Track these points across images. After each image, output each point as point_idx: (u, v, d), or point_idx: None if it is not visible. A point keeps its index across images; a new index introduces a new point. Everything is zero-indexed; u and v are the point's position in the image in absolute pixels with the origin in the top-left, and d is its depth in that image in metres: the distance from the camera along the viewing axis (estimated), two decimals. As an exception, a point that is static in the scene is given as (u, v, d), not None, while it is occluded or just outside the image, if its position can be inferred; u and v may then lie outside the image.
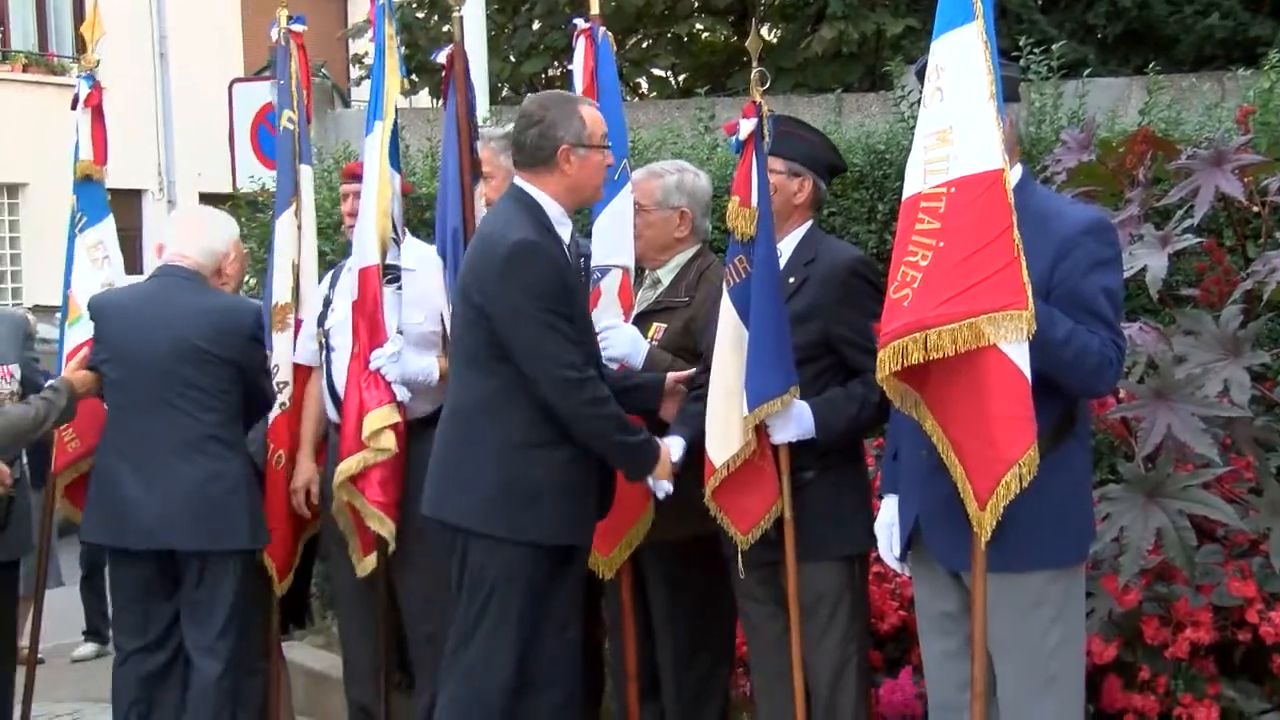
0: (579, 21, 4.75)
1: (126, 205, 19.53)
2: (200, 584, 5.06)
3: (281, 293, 5.55)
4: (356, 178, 5.38)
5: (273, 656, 5.59)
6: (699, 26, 14.68)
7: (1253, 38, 10.70)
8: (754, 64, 4.20)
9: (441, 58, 4.84)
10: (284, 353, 5.50)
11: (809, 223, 4.41)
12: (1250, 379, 4.26)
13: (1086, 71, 7.02)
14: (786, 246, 4.32)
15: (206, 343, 5.04)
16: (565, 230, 4.16)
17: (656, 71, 14.53)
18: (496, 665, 4.14)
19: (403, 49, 5.01)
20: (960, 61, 3.53)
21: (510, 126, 5.05)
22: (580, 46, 4.66)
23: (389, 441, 5.07)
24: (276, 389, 5.42)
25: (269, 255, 5.66)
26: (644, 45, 13.83)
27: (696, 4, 13.88)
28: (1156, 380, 4.09)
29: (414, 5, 12.94)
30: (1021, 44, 6.80)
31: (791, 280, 4.25)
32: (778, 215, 4.26)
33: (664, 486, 4.26)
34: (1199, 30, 11.06)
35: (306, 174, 5.69)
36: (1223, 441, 4.26)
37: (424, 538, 5.06)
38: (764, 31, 15.39)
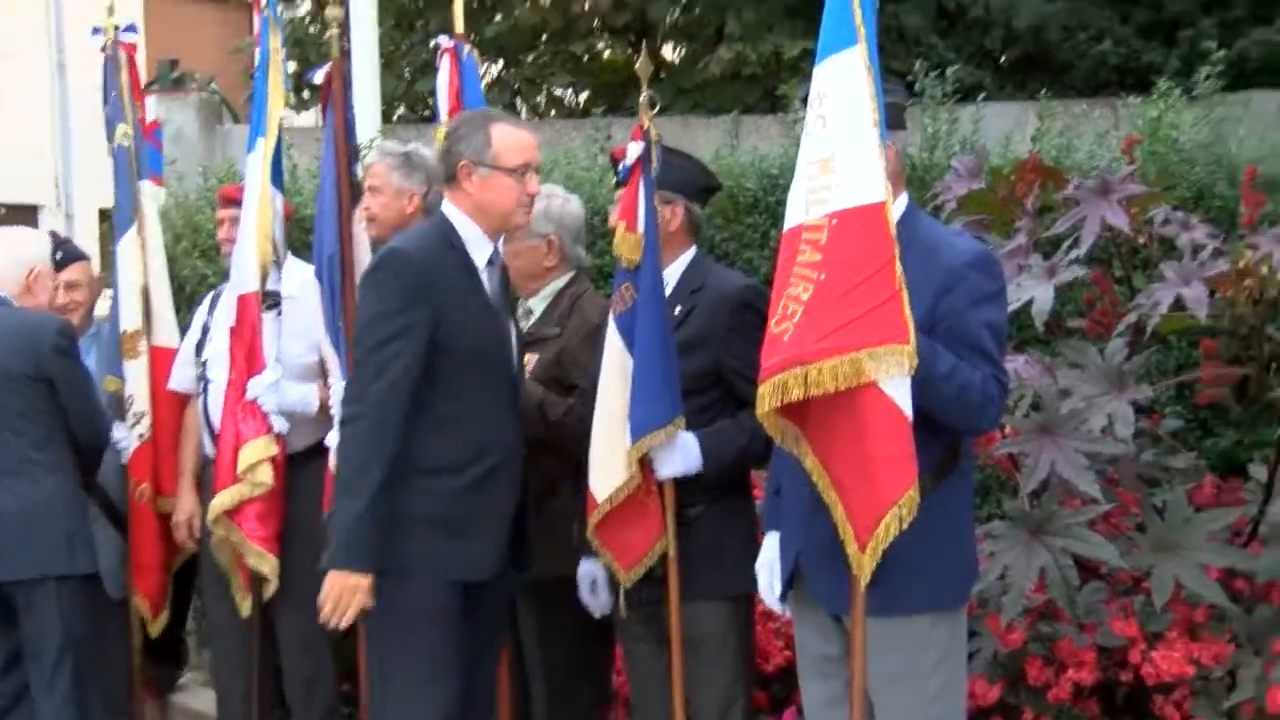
0: (442, 39, 4.66)
1: (23, 221, 19.08)
2: (29, 615, 4.91)
3: (130, 319, 5.43)
4: (233, 202, 5.27)
5: (135, 699, 5.44)
6: (600, 45, 14.63)
7: (1145, 65, 10.82)
8: (643, 87, 4.14)
9: (319, 77, 4.73)
10: (138, 381, 5.39)
11: (693, 249, 4.34)
12: (1136, 412, 4.27)
13: (981, 96, 7.02)
14: (672, 274, 4.25)
15: (11, 362, 4.90)
16: (481, 251, 4.01)
17: (556, 90, 14.46)
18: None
19: (293, 64, 4.87)
20: (843, 88, 3.47)
21: (411, 146, 4.98)
22: (444, 65, 4.57)
23: (265, 475, 4.98)
24: (133, 419, 5.29)
25: (113, 279, 5.52)
26: (541, 63, 13.73)
27: (596, 23, 13.81)
28: (1041, 415, 4.07)
29: (306, 20, 12.78)
30: (916, 67, 6.79)
31: (679, 309, 4.19)
32: None
33: None
34: (1092, 56, 11.16)
35: (148, 191, 5.57)
36: (1110, 477, 4.26)
37: (304, 575, 4.97)
38: (667, 51, 15.41)
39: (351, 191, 4.74)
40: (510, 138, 4.01)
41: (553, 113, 14.06)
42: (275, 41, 5.01)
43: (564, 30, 12.95)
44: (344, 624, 3.82)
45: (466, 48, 4.63)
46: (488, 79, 14.21)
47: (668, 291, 4.19)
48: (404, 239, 4.04)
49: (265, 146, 5.00)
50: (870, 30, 3.49)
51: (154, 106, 11.29)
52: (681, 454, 4.05)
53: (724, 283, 4.26)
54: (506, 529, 4.02)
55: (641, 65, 4.20)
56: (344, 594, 3.79)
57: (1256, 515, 4.60)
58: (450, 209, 4.03)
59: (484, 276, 4.01)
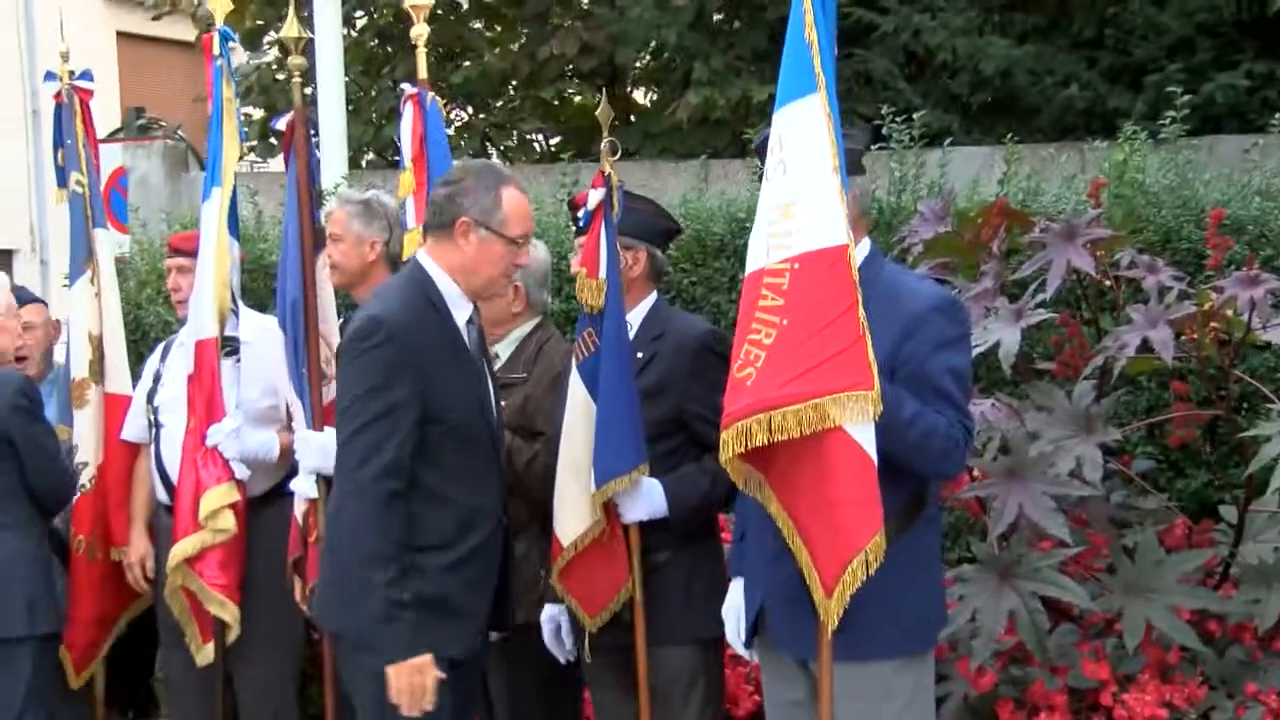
0: (406, 86, 4.66)
1: None
2: None
3: (79, 367, 5.39)
4: (180, 252, 5.27)
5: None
6: (570, 90, 14.69)
7: (1112, 109, 10.89)
8: (604, 133, 4.14)
9: (281, 124, 4.73)
10: (85, 431, 5.35)
11: (653, 295, 4.35)
12: (1106, 454, 4.27)
13: (946, 141, 7.06)
14: (633, 320, 4.25)
15: None
16: (461, 311, 3.82)
17: (525, 135, 14.50)
18: None
19: (260, 111, 4.87)
20: (802, 134, 3.49)
21: (370, 194, 4.96)
22: (408, 112, 4.57)
23: (227, 521, 4.93)
24: (77, 469, 5.24)
25: (66, 327, 5.49)
26: (510, 108, 13.77)
27: (568, 68, 13.85)
28: (1009, 459, 4.06)
29: (274, 67, 12.79)
30: (884, 112, 6.82)
31: (640, 355, 4.18)
32: None
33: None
34: (1059, 101, 11.23)
35: (103, 239, 5.53)
36: (1080, 519, 4.25)
37: (263, 625, 4.95)
38: (640, 95, 15.46)
39: (315, 237, 4.72)
40: (519, 206, 3.85)
41: (522, 158, 14.10)
42: (229, 91, 4.98)
43: (532, 76, 12.97)
44: (428, 707, 3.64)
45: (430, 94, 4.63)
46: (457, 124, 14.26)
47: (629, 338, 4.17)
48: (383, 303, 3.78)
49: (221, 195, 4.98)
50: (829, 76, 3.50)
51: (120, 154, 11.32)
52: (646, 499, 4.04)
53: (684, 328, 4.27)
54: (491, 598, 3.90)
55: (602, 112, 4.21)
56: (413, 681, 3.60)
57: (1228, 557, 4.60)
58: (429, 263, 3.84)
59: (464, 336, 3.86)
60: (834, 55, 3.53)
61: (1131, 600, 4.17)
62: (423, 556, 3.68)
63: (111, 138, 12.80)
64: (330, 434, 4.61)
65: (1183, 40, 11.23)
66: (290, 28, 4.74)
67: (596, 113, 4.23)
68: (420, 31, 4.68)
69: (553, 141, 14.72)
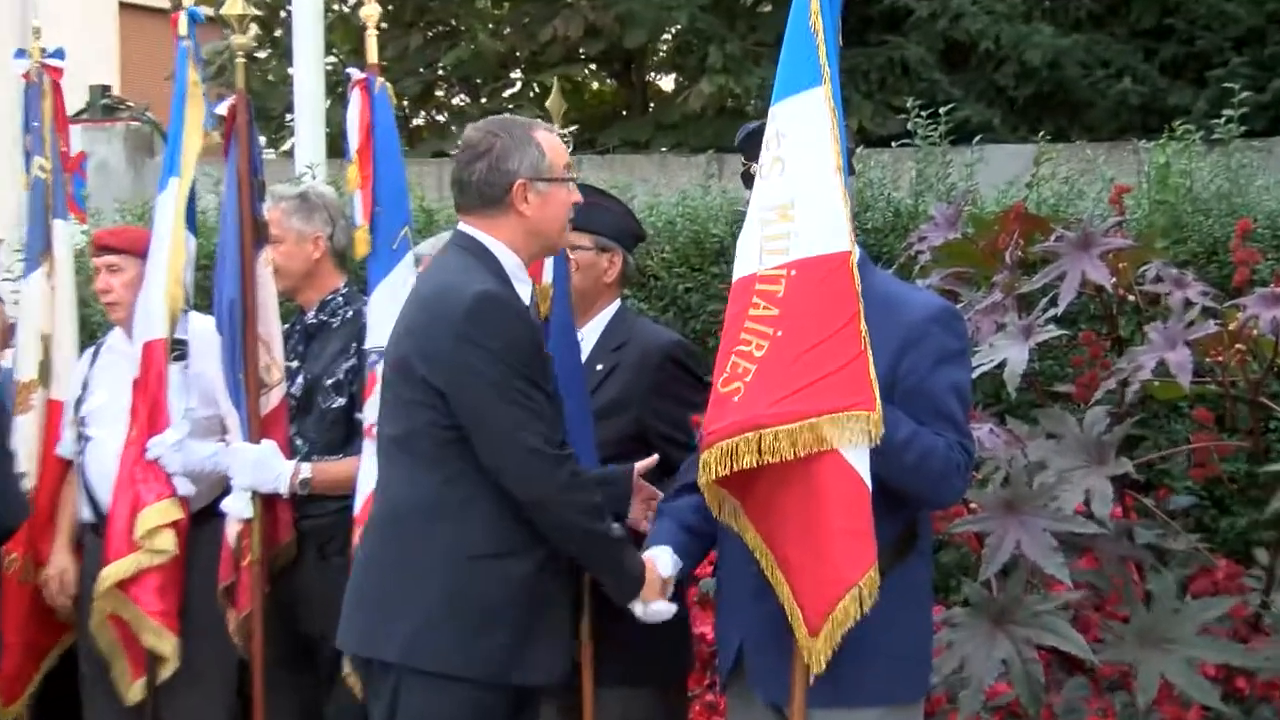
0: (353, 72, 4.68)
1: None
2: None
3: (26, 368, 5.39)
4: (108, 249, 5.27)
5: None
6: (577, 75, 14.72)
7: (1171, 106, 10.87)
8: (555, 125, 4.17)
9: (222, 109, 4.75)
10: (25, 439, 5.30)
11: (617, 302, 4.37)
12: (1137, 489, 4.26)
13: (977, 139, 7.05)
14: (593, 330, 4.27)
15: None
16: (524, 288, 3.73)
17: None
18: None
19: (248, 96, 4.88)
20: (804, 129, 3.50)
21: (305, 186, 4.99)
22: (355, 100, 4.59)
23: (167, 542, 4.93)
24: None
25: (15, 323, 5.50)
26: (510, 95, 13.82)
27: (580, 52, 13.89)
28: (1006, 490, 4.05)
29: (255, 43, 12.85)
30: (909, 105, 6.82)
31: (600, 367, 4.19)
32: (584, 296, 4.21)
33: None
34: (1112, 96, 11.24)
35: (62, 230, 5.54)
36: (1089, 559, 4.24)
37: (200, 658, 4.95)
38: (665, 82, 15.50)
39: (256, 232, 4.75)
40: (555, 144, 3.81)
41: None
42: (194, 74, 5.01)
43: (534, 59, 13.01)
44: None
45: (379, 80, 4.66)
46: (452, 110, 14.33)
47: (588, 349, 4.20)
48: (464, 277, 3.63)
49: (179, 187, 5.01)
50: (834, 69, 3.51)
51: (80, 137, 11.36)
52: None
53: (648, 338, 4.27)
54: (571, 622, 3.82)
55: (552, 102, 4.23)
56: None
57: (1260, 605, 4.56)
58: (486, 239, 3.71)
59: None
60: (839, 47, 3.55)
61: (1146, 652, 4.12)
62: (497, 563, 3.57)
63: (75, 118, 12.87)
64: (267, 447, 4.65)
65: (1252, 31, 11.21)
66: (233, 4, 4.76)
67: (548, 103, 4.25)
68: (371, 12, 4.73)
69: (561, 132, 14.76)
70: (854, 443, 3.35)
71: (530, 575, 3.59)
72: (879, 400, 3.36)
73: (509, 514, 3.56)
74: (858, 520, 3.37)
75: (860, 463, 3.37)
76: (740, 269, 3.58)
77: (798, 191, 3.49)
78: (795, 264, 3.45)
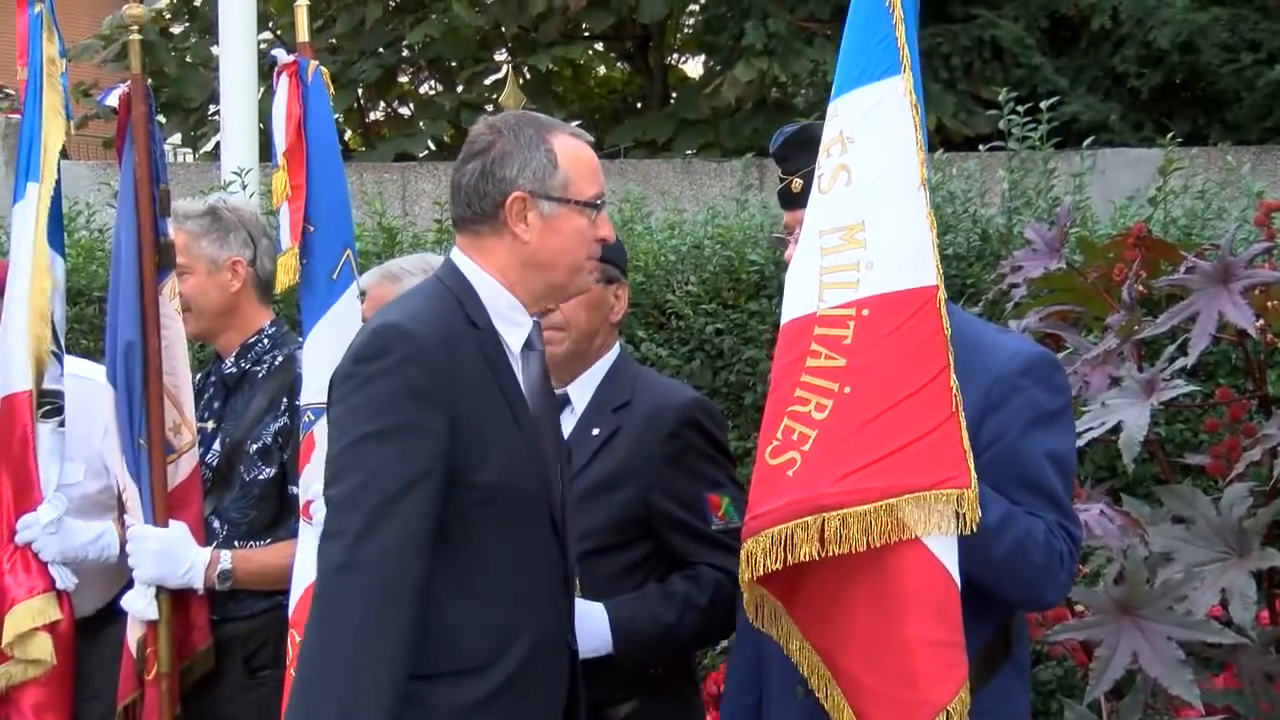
0: (280, 54, 4.72)
1: None
2: None
3: None
4: None
5: None
6: (581, 59, 14.84)
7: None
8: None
9: (113, 99, 4.78)
10: None
11: (616, 348, 4.39)
12: (1270, 585, 4.26)
13: (1088, 142, 7.08)
14: (589, 382, 4.29)
15: None
16: (515, 331, 3.70)
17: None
18: None
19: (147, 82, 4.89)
20: (878, 130, 3.52)
21: (214, 200, 5.00)
22: (283, 88, 4.62)
23: (42, 649, 4.93)
24: None
25: None
26: (492, 82, 13.93)
27: (584, 27, 14.00)
28: (1121, 589, 4.05)
29: (167, 15, 12.96)
30: (1002, 97, 6.86)
31: (596, 432, 4.20)
32: (587, 339, 4.23)
33: None
34: (1261, 88, 11.27)
35: None
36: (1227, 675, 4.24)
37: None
38: (684, 66, 15.60)
39: (159, 256, 4.76)
40: (581, 156, 3.72)
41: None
42: (50, 49, 5.02)
43: (523, 37, 13.11)
44: None
45: (312, 64, 4.68)
46: (423, 99, 14.40)
47: (581, 407, 4.23)
48: (403, 308, 3.68)
49: (39, 195, 5.01)
50: (915, 54, 3.54)
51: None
52: (581, 629, 3.99)
53: (661, 395, 4.28)
54: None
55: (508, 95, 4.23)
56: None
57: None
58: (470, 266, 3.71)
59: (517, 367, 3.72)
60: (917, 26, 3.57)
61: (1302, 799, 4.14)
62: (445, 687, 3.53)
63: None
64: (176, 530, 4.65)
65: None
66: (121, -39, 4.82)
67: (501, 98, 4.21)
68: (301, -23, 4.76)
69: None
70: (942, 529, 3.37)
71: (483, 700, 3.56)
72: (974, 476, 3.37)
73: (459, 619, 3.55)
74: (944, 628, 3.38)
75: (948, 554, 3.38)
76: (792, 308, 3.61)
77: (870, 209, 3.51)
78: (867, 301, 3.48)
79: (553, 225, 3.66)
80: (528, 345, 3.74)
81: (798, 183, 3.90)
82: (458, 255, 3.73)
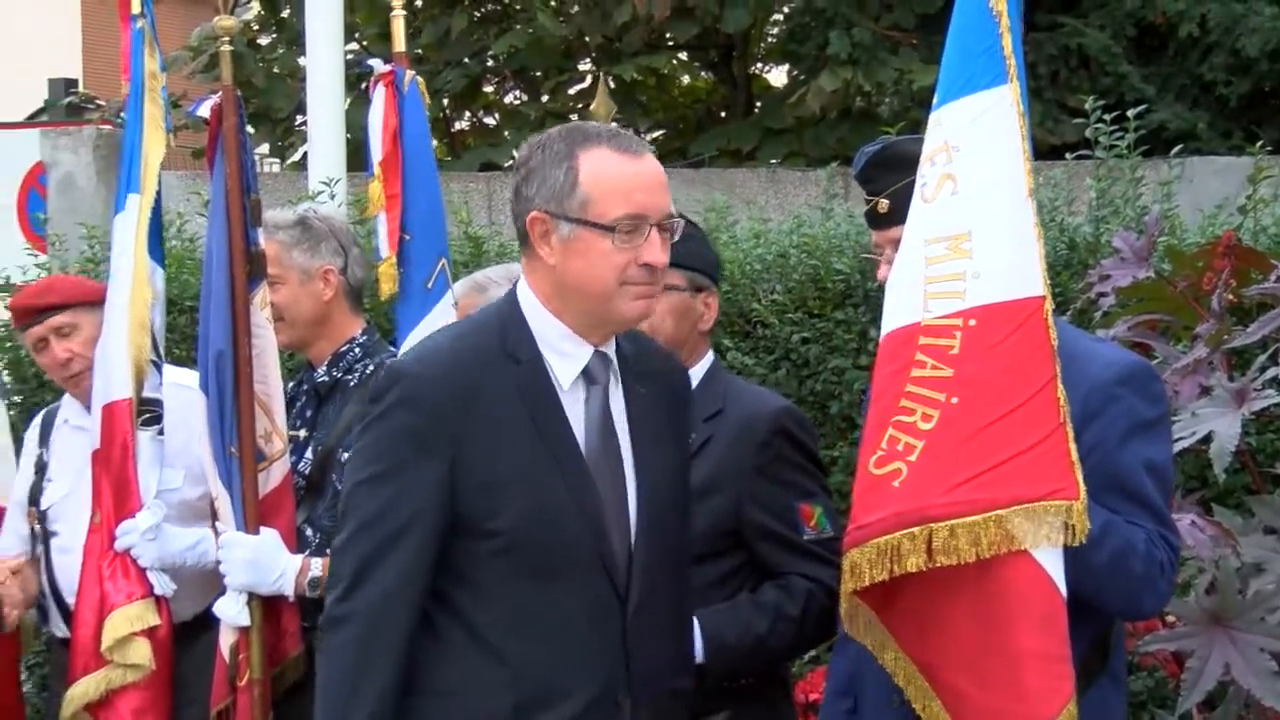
0: (376, 64, 4.75)
1: None
2: None
3: None
4: (48, 309, 5.28)
5: None
6: (666, 69, 14.86)
7: None
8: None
9: (204, 109, 4.81)
10: None
11: (710, 356, 4.40)
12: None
13: (1176, 150, 7.03)
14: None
15: None
16: (566, 363, 3.53)
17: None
18: None
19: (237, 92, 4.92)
20: (984, 139, 3.54)
21: (304, 210, 5.03)
22: (379, 98, 4.65)
23: (141, 654, 4.98)
24: None
25: None
26: (570, 92, 13.95)
27: (667, 37, 14.00)
28: (1214, 599, 4.04)
29: (255, 27, 13.05)
30: (1089, 105, 6.84)
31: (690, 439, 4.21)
32: (670, 346, 4.23)
33: None
34: (1357, 95, 11.19)
35: None
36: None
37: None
38: (768, 76, 15.59)
39: (251, 265, 4.77)
40: (609, 172, 3.45)
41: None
42: (152, 63, 5.08)
43: (608, 47, 13.12)
44: None
45: (408, 74, 4.72)
46: (500, 112, 14.43)
47: None
48: (420, 347, 3.70)
49: (140, 207, 5.07)
50: (1020, 62, 3.55)
51: (39, 144, 11.54)
52: None
53: (751, 403, 4.29)
54: None
55: (599, 102, 4.18)
56: None
57: None
58: (524, 291, 3.58)
59: (567, 402, 3.53)
60: (1022, 32, 3.58)
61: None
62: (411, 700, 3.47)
63: (31, 121, 13.09)
64: (267, 538, 4.67)
65: None
66: (211, -24, 4.85)
67: (593, 107, 4.07)
68: (397, -9, 4.80)
69: (646, 138, 14.86)
70: (1050, 541, 3.37)
71: None
72: (1083, 488, 3.37)
73: (475, 677, 3.50)
74: (1052, 640, 3.39)
75: (1055, 566, 3.39)
76: (895, 318, 3.61)
77: (977, 219, 3.52)
78: (975, 311, 3.49)
79: (572, 248, 3.48)
80: (588, 379, 3.56)
81: (884, 203, 3.90)
82: (521, 279, 3.63)
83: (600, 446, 3.55)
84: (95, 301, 5.18)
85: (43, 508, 5.34)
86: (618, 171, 3.45)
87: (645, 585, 3.54)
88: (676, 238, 3.56)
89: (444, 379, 3.47)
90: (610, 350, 3.59)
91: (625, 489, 3.56)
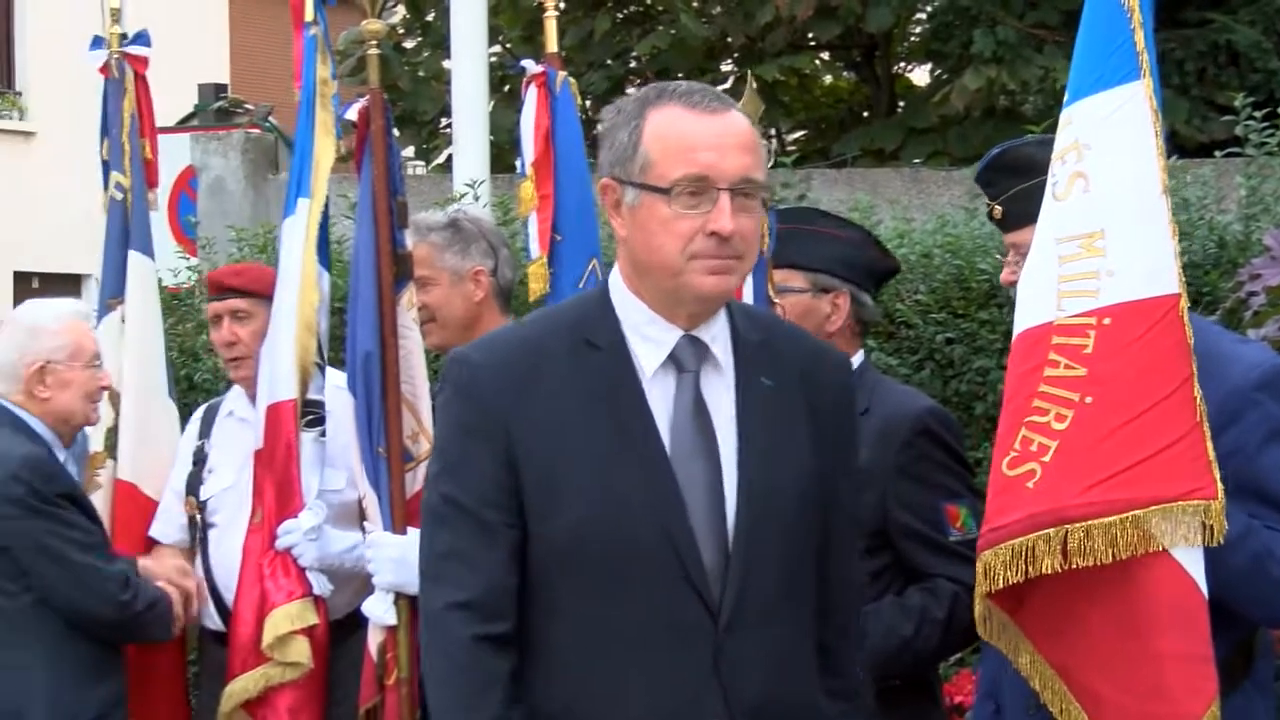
0: (528, 65, 4.79)
1: (66, 292, 19.76)
2: None
3: (96, 436, 5.46)
4: (231, 291, 5.36)
5: None
6: (808, 69, 14.82)
7: None
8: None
9: (353, 113, 4.85)
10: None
11: (859, 355, 4.40)
12: None
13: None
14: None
15: None
16: (651, 349, 3.22)
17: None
18: None
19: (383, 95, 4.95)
20: (1117, 136, 3.54)
21: (454, 212, 5.08)
22: (531, 99, 4.70)
23: (301, 653, 5.05)
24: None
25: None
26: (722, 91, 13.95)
27: (810, 37, 13.98)
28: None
29: (400, 30, 13.15)
30: (1238, 103, 6.79)
31: None
32: None
33: None
34: None
35: (139, 265, 5.63)
36: None
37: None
38: (911, 75, 15.52)
39: (397, 267, 4.82)
40: (672, 131, 3.13)
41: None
42: (324, 70, 5.13)
43: (750, 47, 13.12)
44: None
45: (560, 75, 4.75)
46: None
47: None
48: (494, 333, 3.61)
49: (310, 211, 5.15)
50: (1153, 59, 3.55)
51: (190, 148, 11.70)
52: None
53: (895, 405, 4.30)
54: None
55: (747, 100, 4.12)
56: None
57: None
58: (614, 273, 3.33)
59: (653, 393, 3.22)
60: (1154, 27, 3.57)
61: None
62: None
63: (182, 125, 13.26)
64: (415, 537, 4.72)
65: None
66: (360, -22, 4.84)
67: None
68: (551, -10, 4.80)
69: (788, 138, 14.87)
70: (1189, 540, 3.37)
71: None
72: (1220, 487, 3.37)
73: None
74: (1194, 640, 3.38)
75: (1195, 566, 3.38)
76: (1028, 317, 3.62)
77: (1111, 217, 3.52)
78: (1109, 310, 3.49)
79: (636, 216, 3.18)
80: (677, 365, 3.24)
81: (998, 209, 3.91)
82: (615, 268, 3.37)
83: (690, 441, 3.21)
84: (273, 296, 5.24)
85: (202, 498, 5.39)
86: (681, 129, 3.13)
87: (748, 600, 3.17)
88: (762, 206, 3.28)
89: (500, 367, 3.23)
90: (709, 334, 3.25)
91: (721, 489, 3.20)
